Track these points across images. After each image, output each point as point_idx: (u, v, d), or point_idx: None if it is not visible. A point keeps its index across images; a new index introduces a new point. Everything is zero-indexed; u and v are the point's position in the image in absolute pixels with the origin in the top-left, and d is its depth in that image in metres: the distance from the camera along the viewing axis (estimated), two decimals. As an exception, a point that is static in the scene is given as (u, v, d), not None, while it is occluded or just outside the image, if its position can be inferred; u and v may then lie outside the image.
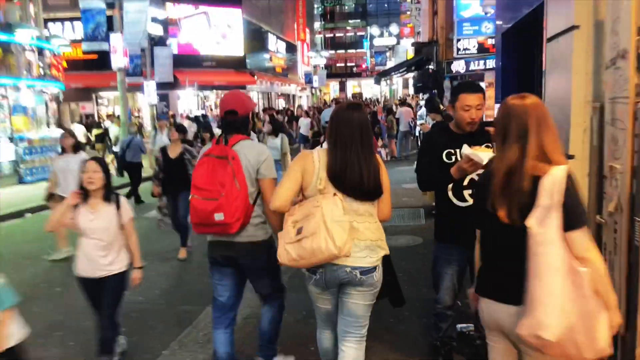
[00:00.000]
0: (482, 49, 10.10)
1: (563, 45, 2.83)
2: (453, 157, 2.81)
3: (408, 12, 35.48)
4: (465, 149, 2.52)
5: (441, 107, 8.20)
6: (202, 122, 17.93)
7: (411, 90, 41.98)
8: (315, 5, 67.81)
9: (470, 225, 2.26)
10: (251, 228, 2.94)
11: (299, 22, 43.75)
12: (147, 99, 21.09)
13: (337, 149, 2.48)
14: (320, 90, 55.32)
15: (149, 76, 20.93)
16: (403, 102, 16.19)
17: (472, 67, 9.61)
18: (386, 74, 12.42)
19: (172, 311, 4.82)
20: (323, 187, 2.46)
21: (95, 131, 16.52)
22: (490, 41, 10.09)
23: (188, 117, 20.13)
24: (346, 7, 77.28)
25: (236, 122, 2.97)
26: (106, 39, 13.36)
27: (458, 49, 10.24)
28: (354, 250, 2.43)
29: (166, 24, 24.65)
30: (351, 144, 2.46)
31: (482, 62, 9.50)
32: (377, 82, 13.04)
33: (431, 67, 11.43)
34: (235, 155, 2.84)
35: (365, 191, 2.49)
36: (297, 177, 2.50)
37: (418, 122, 13.60)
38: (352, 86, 66.70)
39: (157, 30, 20.86)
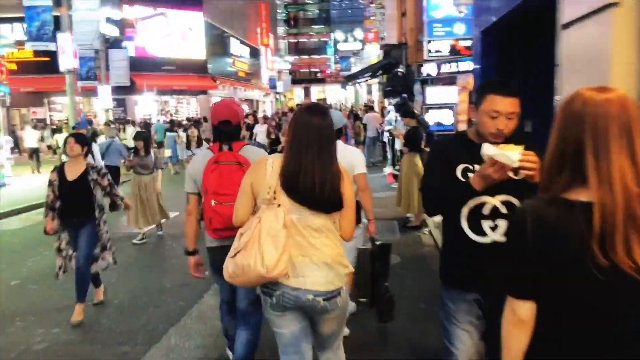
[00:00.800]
0: (454, 51, 9.70)
1: (592, 31, 2.30)
2: (471, 175, 2.10)
3: (372, 18, 35.34)
4: (488, 148, 1.91)
5: (415, 111, 7.69)
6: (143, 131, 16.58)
7: (375, 96, 41.96)
8: (279, 11, 67.43)
9: (489, 265, 1.75)
10: None
11: (262, 26, 43.12)
12: (101, 103, 19.97)
13: (292, 152, 2.23)
14: (284, 96, 54.76)
15: (104, 80, 19.86)
16: (370, 108, 15.77)
17: (444, 69, 9.17)
18: (353, 77, 11.84)
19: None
20: (271, 196, 2.21)
21: (61, 136, 15.57)
22: (463, 43, 9.70)
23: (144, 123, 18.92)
24: (310, 13, 77.19)
25: (230, 131, 3.07)
26: (53, 39, 12.35)
27: (429, 51, 9.80)
28: (311, 272, 2.20)
29: (122, 25, 23.57)
30: (307, 147, 2.20)
31: (454, 64, 9.06)
32: (344, 86, 12.44)
33: (400, 70, 10.96)
34: (246, 161, 2.91)
35: (320, 201, 2.20)
36: (248, 191, 2.30)
37: (386, 128, 13.15)
38: (316, 92, 66.55)
39: (112, 32, 19.84)
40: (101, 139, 10.91)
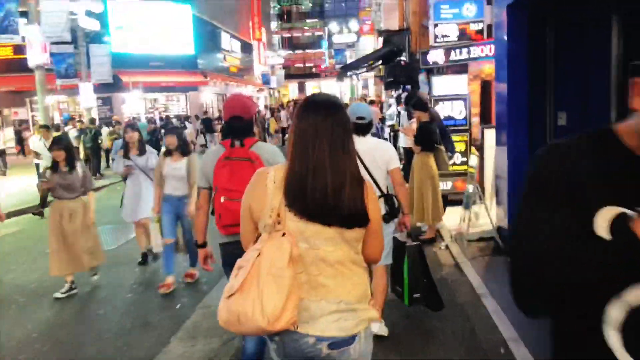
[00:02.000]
0: (463, 36, 8.63)
1: None
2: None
3: (367, 8, 34.21)
4: None
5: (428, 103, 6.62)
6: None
7: (371, 90, 40.77)
8: (272, 5, 66.27)
9: None
10: None
11: (254, 20, 41.96)
12: (83, 102, 18.83)
13: (295, 154, 1.75)
14: (278, 91, 53.69)
15: (85, 77, 18.71)
16: (371, 102, 14.71)
17: (454, 56, 8.11)
18: (350, 67, 10.73)
19: None
20: (274, 221, 1.74)
21: (32, 138, 14.24)
22: (474, 26, 8.63)
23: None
24: (303, 7, 75.94)
25: (242, 126, 3.03)
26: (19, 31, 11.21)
27: (435, 37, 8.73)
28: (321, 312, 1.75)
29: (104, 19, 22.39)
30: (315, 145, 1.73)
31: (465, 50, 7.99)
32: (341, 78, 11.30)
33: (403, 58, 9.89)
34: (258, 157, 2.90)
35: (335, 211, 1.71)
36: (247, 215, 1.86)
37: (387, 123, 12.11)
38: (311, 87, 65.58)
39: (93, 26, 18.62)
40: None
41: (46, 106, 11.81)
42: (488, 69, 8.08)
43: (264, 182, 1.80)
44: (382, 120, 13.68)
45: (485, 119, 8.70)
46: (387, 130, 12.10)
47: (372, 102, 14.65)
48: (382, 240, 1.89)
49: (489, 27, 8.79)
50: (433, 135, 5.79)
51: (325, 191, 1.69)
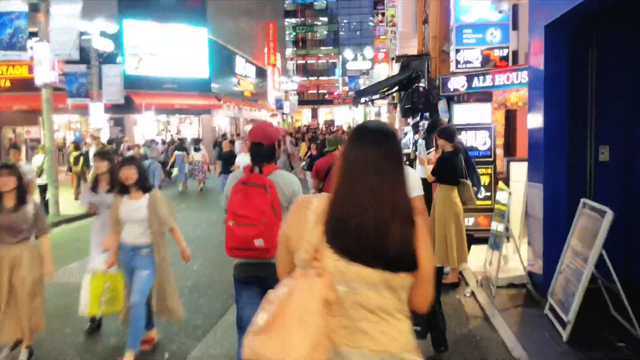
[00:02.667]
0: (486, 62, 8.13)
1: None
2: None
3: (382, 37, 34.12)
4: None
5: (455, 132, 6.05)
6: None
7: (384, 118, 40.41)
8: (287, 32, 67.06)
9: None
10: None
11: (270, 46, 42.15)
12: (93, 122, 18.60)
13: (340, 186, 1.60)
14: (291, 117, 53.68)
15: (96, 97, 18.52)
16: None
17: (477, 83, 7.59)
18: (366, 93, 10.26)
19: None
20: (310, 257, 1.58)
21: (74, 153, 14.97)
22: (498, 52, 8.13)
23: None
24: (318, 34, 76.81)
25: (262, 152, 3.10)
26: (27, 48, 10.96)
27: (457, 62, 8.24)
28: None
29: (118, 39, 22.39)
30: (362, 177, 1.56)
31: (489, 77, 7.47)
32: (355, 103, 10.78)
33: (422, 85, 9.40)
34: (272, 184, 2.96)
35: (381, 251, 1.53)
36: (283, 244, 1.73)
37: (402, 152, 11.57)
38: (324, 113, 65.78)
39: (106, 46, 18.53)
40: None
41: (51, 125, 11.43)
42: (514, 97, 7.55)
43: (305, 212, 1.65)
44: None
45: (509, 151, 8.13)
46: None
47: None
48: (431, 291, 1.67)
49: (514, 53, 8.29)
50: (456, 168, 5.21)
51: (370, 229, 1.54)
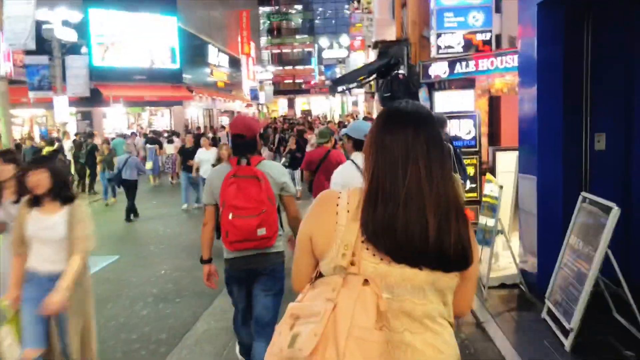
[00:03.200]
0: (469, 47, 7.75)
1: None
2: None
3: (358, 24, 33.61)
4: None
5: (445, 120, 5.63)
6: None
7: (361, 107, 39.90)
8: (262, 20, 65.95)
9: None
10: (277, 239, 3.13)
11: (243, 34, 41.24)
12: (57, 116, 17.71)
13: (379, 178, 1.37)
14: (267, 107, 52.85)
15: (60, 90, 17.64)
16: (365, 119, 13.72)
17: (459, 69, 7.20)
18: (343, 81, 9.73)
19: None
20: (348, 261, 1.38)
21: (47, 148, 14.07)
22: (481, 36, 7.75)
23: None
24: (293, 23, 75.72)
25: (245, 143, 3.12)
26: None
27: (438, 48, 7.83)
28: None
29: (84, 29, 21.42)
30: (405, 162, 1.36)
31: (472, 63, 7.08)
32: (332, 92, 10.24)
33: (401, 72, 8.97)
34: (263, 175, 3.00)
35: (437, 251, 1.35)
36: (306, 248, 1.50)
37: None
38: (301, 103, 65.11)
39: (70, 36, 17.62)
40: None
41: (8, 120, 10.68)
42: (499, 83, 7.19)
43: (333, 208, 1.44)
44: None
45: (494, 140, 7.78)
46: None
47: (365, 119, 13.72)
48: (475, 288, 1.58)
49: (498, 37, 7.92)
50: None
51: (426, 226, 1.35)
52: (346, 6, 59.13)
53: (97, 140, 14.37)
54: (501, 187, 4.76)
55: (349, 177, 3.29)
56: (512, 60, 6.80)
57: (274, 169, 3.13)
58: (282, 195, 3.16)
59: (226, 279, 3.20)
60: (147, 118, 28.34)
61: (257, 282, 3.15)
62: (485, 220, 5.45)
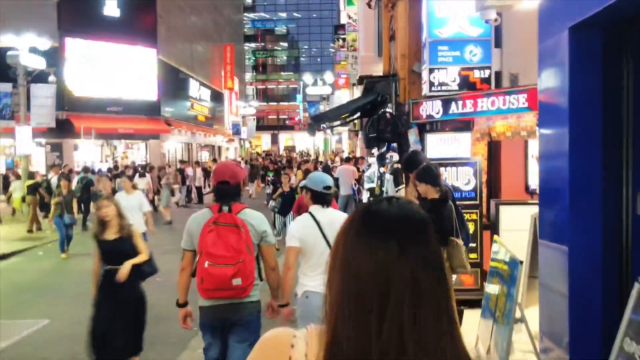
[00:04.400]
0: (465, 84, 6.89)
1: None
2: None
3: (343, 62, 33.29)
4: None
5: (442, 174, 4.64)
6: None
7: (345, 145, 39.21)
8: (247, 56, 66.13)
9: None
10: (252, 289, 3.12)
11: (227, 69, 40.68)
12: (19, 147, 16.46)
13: (345, 318, 0.92)
14: (250, 142, 52.07)
15: (24, 120, 16.45)
16: (347, 159, 12.72)
17: (455, 109, 6.30)
18: (323, 118, 8.75)
19: None
20: None
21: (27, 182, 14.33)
22: (479, 73, 6.90)
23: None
24: (278, 60, 76.17)
25: (229, 190, 3.15)
26: None
27: (431, 84, 6.96)
28: None
29: (56, 57, 20.45)
30: (383, 299, 0.91)
31: (469, 102, 6.20)
32: (312, 131, 9.29)
33: (389, 110, 8.09)
34: (244, 224, 3.02)
35: None
36: None
37: (366, 187, 10.23)
38: (284, 139, 64.75)
39: (37, 64, 16.58)
40: None
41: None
42: (501, 126, 6.29)
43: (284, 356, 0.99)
44: (359, 180, 11.80)
45: (493, 191, 6.82)
46: (365, 194, 10.17)
47: (348, 160, 12.75)
48: None
49: (497, 74, 7.09)
50: (447, 223, 3.79)
51: None
52: (332, 44, 59.49)
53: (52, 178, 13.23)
54: (521, 262, 3.73)
55: (306, 234, 3.30)
56: (517, 101, 5.93)
57: (255, 218, 3.14)
58: (261, 245, 3.15)
59: (200, 326, 3.22)
60: (122, 152, 27.11)
61: (232, 332, 3.14)
62: (493, 290, 4.43)
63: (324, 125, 9.91)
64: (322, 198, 3.43)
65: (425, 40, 7.06)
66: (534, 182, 6.72)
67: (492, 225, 6.11)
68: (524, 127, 6.03)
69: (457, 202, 5.40)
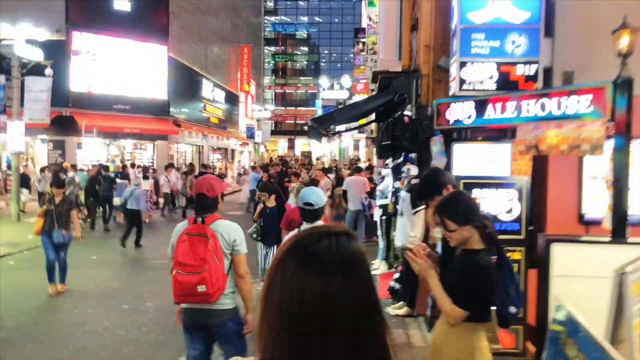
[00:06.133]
0: (505, 83, 5.43)
1: None
2: None
3: (362, 66, 31.93)
4: None
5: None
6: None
7: (362, 152, 37.57)
8: (267, 60, 65.32)
9: None
10: (222, 297, 3.30)
11: (243, 71, 39.64)
12: (9, 144, 15.42)
13: (285, 349, 0.98)
14: (265, 146, 50.96)
15: (16, 115, 15.41)
16: (357, 169, 11.16)
17: (492, 113, 4.86)
18: (328, 120, 7.16)
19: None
20: None
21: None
22: (522, 69, 5.44)
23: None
24: (298, 64, 75.23)
25: (205, 202, 3.37)
26: None
27: (462, 82, 5.52)
28: None
29: (61, 52, 19.49)
30: (325, 329, 0.98)
31: (511, 104, 4.75)
32: (316, 135, 7.65)
33: (407, 113, 6.66)
34: (213, 234, 3.22)
35: None
36: None
37: (378, 203, 8.79)
38: (301, 144, 63.61)
39: (33, 55, 15.54)
40: None
41: None
42: (553, 137, 4.80)
43: None
44: (371, 193, 10.33)
45: (536, 222, 5.29)
46: (378, 211, 8.72)
47: (358, 170, 11.24)
48: None
49: (547, 71, 5.63)
50: (490, 289, 2.36)
51: None
52: (352, 50, 58.24)
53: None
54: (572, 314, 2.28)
55: None
56: (578, 103, 4.49)
57: (226, 228, 3.31)
58: (233, 254, 3.31)
59: (183, 328, 3.44)
60: (130, 151, 26.06)
61: (216, 339, 3.44)
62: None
63: (330, 131, 8.45)
64: (304, 214, 3.64)
65: (456, 27, 5.64)
66: (590, 210, 5.23)
67: (538, 264, 4.64)
68: (585, 138, 4.55)
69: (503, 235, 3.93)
